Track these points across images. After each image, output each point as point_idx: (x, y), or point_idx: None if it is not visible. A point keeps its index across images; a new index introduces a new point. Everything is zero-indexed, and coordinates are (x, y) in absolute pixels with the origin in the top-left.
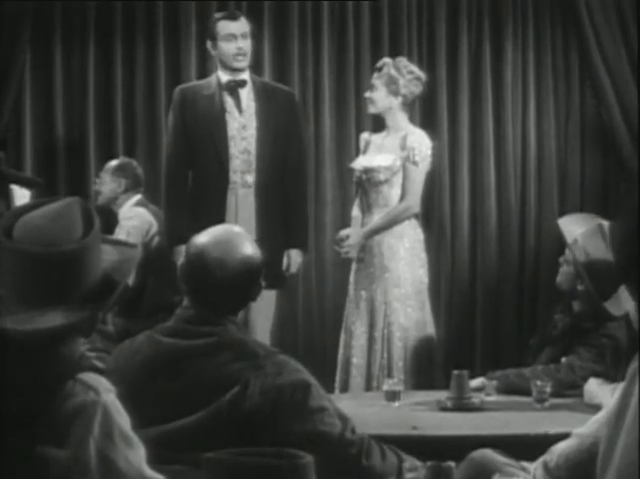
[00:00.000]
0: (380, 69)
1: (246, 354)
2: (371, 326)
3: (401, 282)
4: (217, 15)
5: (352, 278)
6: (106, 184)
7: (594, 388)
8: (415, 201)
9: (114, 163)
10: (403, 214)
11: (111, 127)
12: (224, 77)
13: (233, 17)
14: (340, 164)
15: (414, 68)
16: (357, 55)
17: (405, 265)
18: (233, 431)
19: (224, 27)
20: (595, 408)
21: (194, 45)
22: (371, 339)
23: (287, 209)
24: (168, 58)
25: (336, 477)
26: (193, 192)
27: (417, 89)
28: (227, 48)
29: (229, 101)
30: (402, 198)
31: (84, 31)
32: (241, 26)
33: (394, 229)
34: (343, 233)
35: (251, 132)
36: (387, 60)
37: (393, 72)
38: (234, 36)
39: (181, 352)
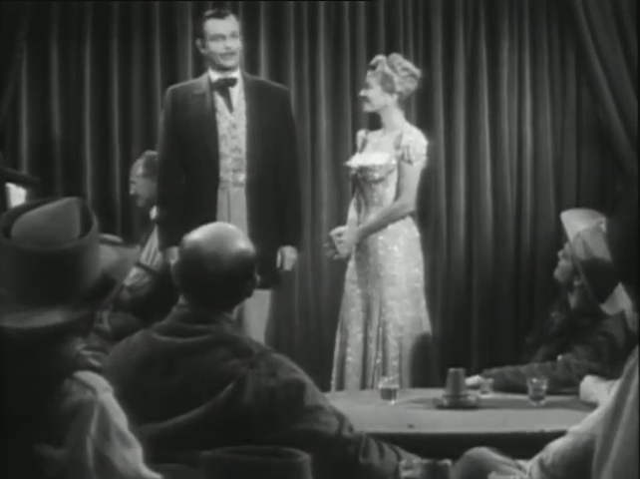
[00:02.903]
0: (374, 67)
1: (241, 352)
2: (366, 325)
3: (396, 281)
4: (206, 13)
5: (347, 277)
6: (141, 185)
7: (591, 386)
8: (410, 199)
9: (144, 161)
10: (397, 212)
11: (107, 125)
12: (215, 76)
13: (221, 16)
14: (336, 163)
15: (408, 65)
16: (353, 54)
17: (400, 264)
18: (229, 429)
19: (213, 26)
20: (591, 406)
21: (191, 44)
22: (366, 338)
23: (280, 206)
24: (165, 57)
25: (334, 476)
26: (185, 192)
27: (412, 85)
28: (216, 47)
29: (220, 100)
30: (397, 196)
31: (80, 30)
32: (230, 25)
33: (389, 227)
34: (336, 230)
35: (241, 130)
36: (380, 58)
37: (387, 69)
38: (222, 36)
39: (176, 350)
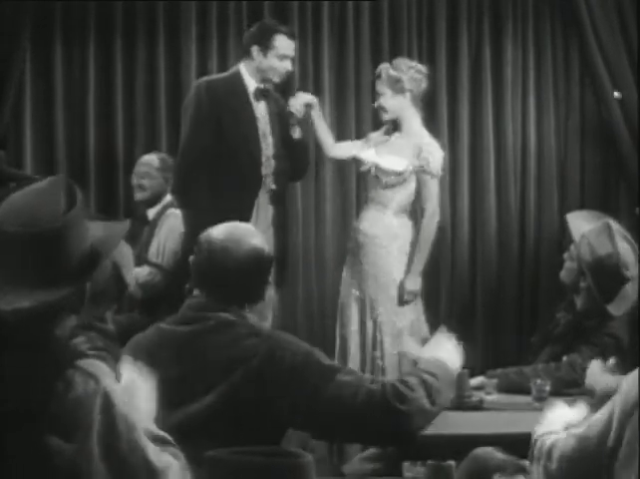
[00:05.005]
0: (379, 75)
1: (252, 332)
2: (363, 326)
3: (390, 283)
4: (277, 27)
5: (344, 276)
6: (153, 179)
7: (597, 373)
8: (435, 208)
9: (160, 157)
10: (430, 225)
11: (111, 126)
12: (252, 83)
13: (293, 36)
14: (339, 161)
15: (413, 63)
16: (357, 54)
17: (397, 264)
18: (251, 406)
19: (285, 46)
20: (595, 404)
21: (195, 46)
22: (364, 341)
23: None
24: (169, 58)
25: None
26: (223, 190)
27: (422, 82)
28: (279, 65)
29: (256, 106)
30: (421, 208)
31: (84, 31)
32: (294, 47)
33: (387, 229)
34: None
35: (270, 139)
36: (384, 65)
37: (392, 72)
38: (289, 57)
39: (188, 337)
